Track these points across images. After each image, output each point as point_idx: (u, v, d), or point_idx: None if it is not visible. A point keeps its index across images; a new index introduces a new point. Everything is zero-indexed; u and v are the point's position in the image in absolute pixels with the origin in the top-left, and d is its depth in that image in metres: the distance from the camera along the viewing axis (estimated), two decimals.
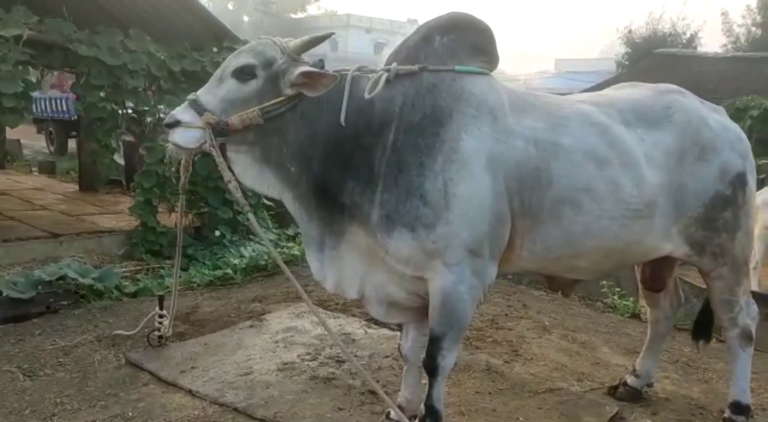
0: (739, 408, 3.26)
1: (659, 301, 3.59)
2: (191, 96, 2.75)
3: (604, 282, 5.20)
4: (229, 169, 2.78)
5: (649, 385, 3.65)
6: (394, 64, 2.79)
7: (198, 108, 2.68)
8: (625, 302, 5.16)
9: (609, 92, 3.32)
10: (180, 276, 5.66)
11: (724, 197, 3.06)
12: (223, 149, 2.76)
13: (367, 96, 2.69)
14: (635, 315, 4.99)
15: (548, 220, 2.85)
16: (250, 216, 2.94)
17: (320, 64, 2.78)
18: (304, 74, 2.64)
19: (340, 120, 2.70)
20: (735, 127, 3.23)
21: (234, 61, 2.73)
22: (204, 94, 2.74)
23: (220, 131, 2.67)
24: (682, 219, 3.03)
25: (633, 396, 3.60)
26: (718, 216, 3.07)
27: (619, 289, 5.25)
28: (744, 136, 3.24)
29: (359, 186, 2.75)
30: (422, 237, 2.70)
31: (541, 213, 2.83)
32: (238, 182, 2.81)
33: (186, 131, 2.69)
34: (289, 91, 2.69)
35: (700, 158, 3.04)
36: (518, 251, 2.90)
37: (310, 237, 2.91)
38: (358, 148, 2.75)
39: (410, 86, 2.77)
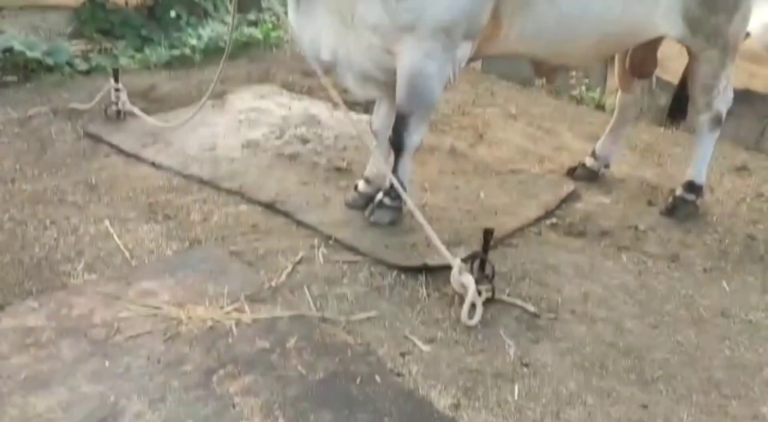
0: (692, 187, 3.39)
1: (633, 85, 3.57)
2: None
3: (573, 73, 5.14)
4: None
5: (606, 166, 3.77)
6: None
7: None
8: (591, 94, 5.15)
9: None
10: (132, 57, 5.43)
11: None
12: None
13: None
14: (600, 107, 5.02)
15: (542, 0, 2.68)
16: None
17: None
18: None
19: None
20: None
21: None
22: None
23: None
24: None
25: (590, 176, 3.72)
26: None
27: (587, 80, 5.21)
28: None
29: None
30: (392, 6, 2.54)
31: None
32: None
33: None
34: None
35: None
36: (506, 31, 2.76)
37: None
38: None
39: None
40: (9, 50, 4.67)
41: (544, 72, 3.35)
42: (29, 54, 4.71)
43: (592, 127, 4.47)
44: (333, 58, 2.85)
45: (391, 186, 3.10)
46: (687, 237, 3.23)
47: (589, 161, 3.73)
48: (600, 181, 3.72)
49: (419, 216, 2.67)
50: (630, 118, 3.69)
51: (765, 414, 2.18)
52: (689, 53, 3.17)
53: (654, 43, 3.26)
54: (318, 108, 4.57)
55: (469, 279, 2.54)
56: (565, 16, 2.75)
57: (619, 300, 2.73)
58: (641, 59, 3.39)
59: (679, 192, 3.41)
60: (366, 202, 3.24)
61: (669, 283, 2.86)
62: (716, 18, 2.97)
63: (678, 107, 3.58)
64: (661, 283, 2.86)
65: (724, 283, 2.89)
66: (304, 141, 4.05)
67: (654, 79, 3.73)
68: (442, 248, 2.63)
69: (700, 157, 3.36)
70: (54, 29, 6.03)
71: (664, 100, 4.89)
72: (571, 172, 3.76)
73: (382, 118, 3.18)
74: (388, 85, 2.96)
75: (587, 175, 3.71)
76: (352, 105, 4.63)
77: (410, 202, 2.80)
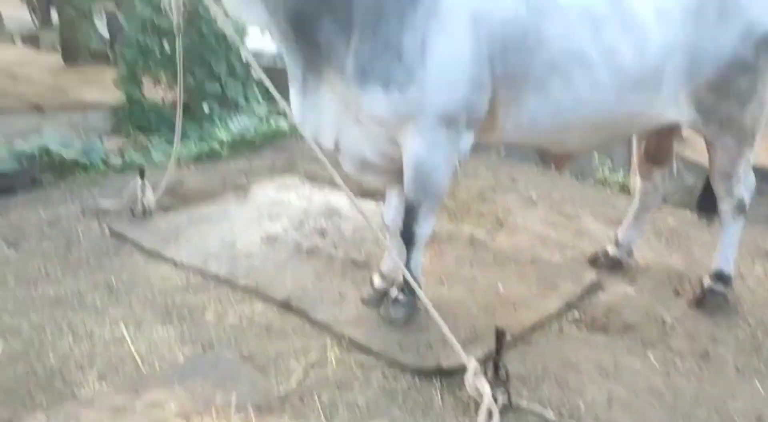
0: (721, 276, 3.25)
1: (652, 172, 3.49)
2: None
3: (596, 155, 5.12)
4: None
5: (630, 254, 3.66)
6: None
7: None
8: (615, 176, 5.10)
9: None
10: (165, 152, 5.62)
11: (744, 61, 2.81)
12: None
13: None
14: (624, 189, 4.95)
15: (534, 91, 2.72)
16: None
17: None
18: None
19: None
20: None
21: None
22: None
23: None
24: (693, 84, 2.84)
25: (613, 265, 3.61)
26: (732, 81, 2.83)
27: (610, 164, 5.17)
28: None
29: (335, 26, 2.60)
30: (395, 98, 2.60)
31: (526, 81, 2.70)
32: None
33: None
34: None
35: (722, 14, 2.77)
36: (501, 121, 2.79)
37: (293, 75, 2.82)
38: None
39: None
40: (45, 150, 4.90)
41: (551, 159, 3.34)
42: (64, 154, 4.93)
43: (616, 210, 4.40)
44: (335, 145, 2.90)
45: (405, 281, 3.07)
46: (717, 330, 3.08)
47: (611, 249, 3.64)
48: (624, 269, 3.61)
49: (435, 315, 2.62)
50: (651, 206, 3.60)
51: None
52: (705, 141, 3.10)
53: (669, 132, 3.22)
54: (339, 199, 4.62)
55: (483, 384, 2.45)
56: (556, 107, 2.75)
57: (645, 404, 2.58)
58: (655, 147, 3.34)
59: (707, 283, 3.26)
60: (381, 297, 3.20)
61: (698, 384, 2.71)
62: (728, 104, 2.89)
63: (707, 198, 3.36)
64: (690, 384, 2.71)
65: (758, 383, 2.72)
66: (323, 233, 4.08)
67: (675, 164, 3.64)
68: (457, 346, 2.56)
69: (726, 245, 3.23)
70: (93, 127, 6.35)
71: (691, 180, 4.80)
72: (593, 261, 3.67)
73: (393, 210, 3.19)
74: (389, 172, 2.99)
75: (610, 264, 3.61)
76: (372, 194, 4.67)
77: (425, 299, 2.75)
